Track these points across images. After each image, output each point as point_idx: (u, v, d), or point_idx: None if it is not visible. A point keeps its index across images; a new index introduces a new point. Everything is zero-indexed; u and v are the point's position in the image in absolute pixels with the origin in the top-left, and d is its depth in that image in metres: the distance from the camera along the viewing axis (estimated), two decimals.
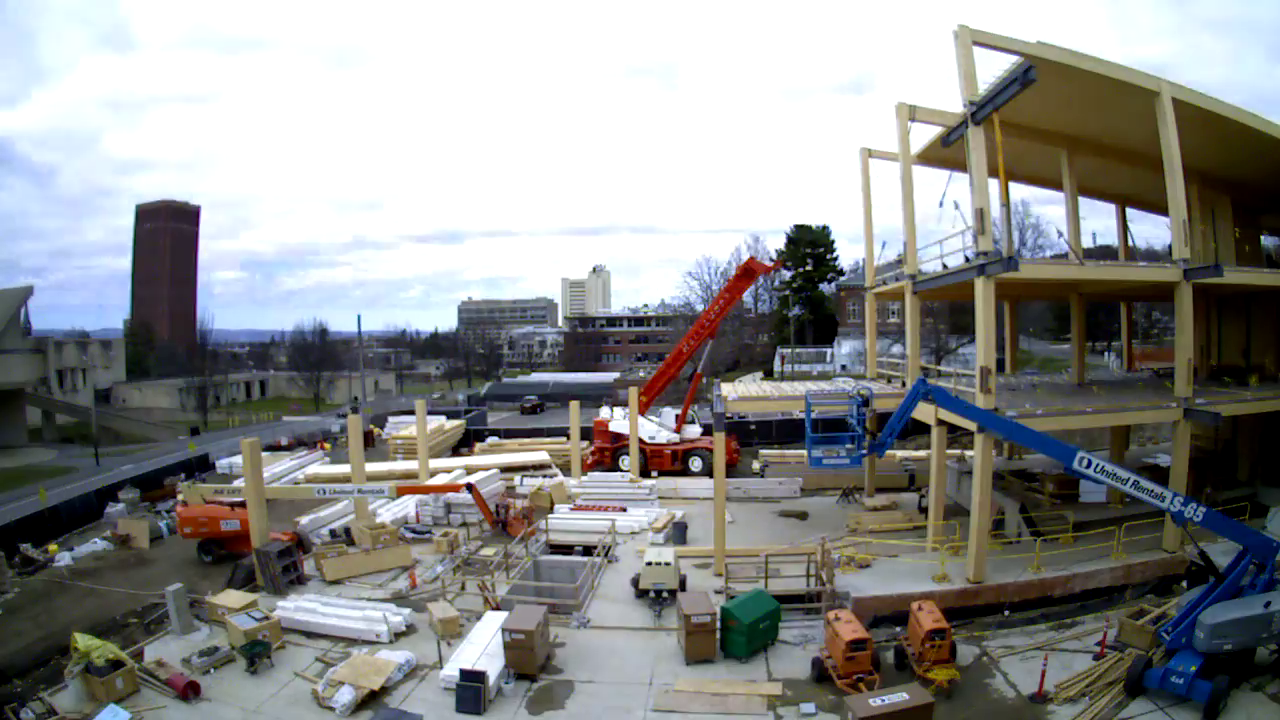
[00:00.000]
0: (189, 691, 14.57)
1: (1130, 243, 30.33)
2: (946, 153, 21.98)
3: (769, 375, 67.35)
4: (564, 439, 39.01)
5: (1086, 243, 27.97)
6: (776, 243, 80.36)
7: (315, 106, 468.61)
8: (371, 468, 32.36)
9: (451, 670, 14.49)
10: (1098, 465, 14.16)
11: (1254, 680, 13.16)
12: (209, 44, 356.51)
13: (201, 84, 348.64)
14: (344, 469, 30.29)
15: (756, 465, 33.67)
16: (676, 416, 34.53)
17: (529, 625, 15.01)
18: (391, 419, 49.42)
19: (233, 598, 18.35)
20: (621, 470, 32.97)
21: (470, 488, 25.00)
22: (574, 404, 35.30)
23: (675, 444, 33.65)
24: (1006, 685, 14.12)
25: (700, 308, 73.56)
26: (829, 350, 71.81)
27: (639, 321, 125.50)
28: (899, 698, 12.08)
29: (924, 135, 23.34)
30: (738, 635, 15.51)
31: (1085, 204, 25.32)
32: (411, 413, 39.86)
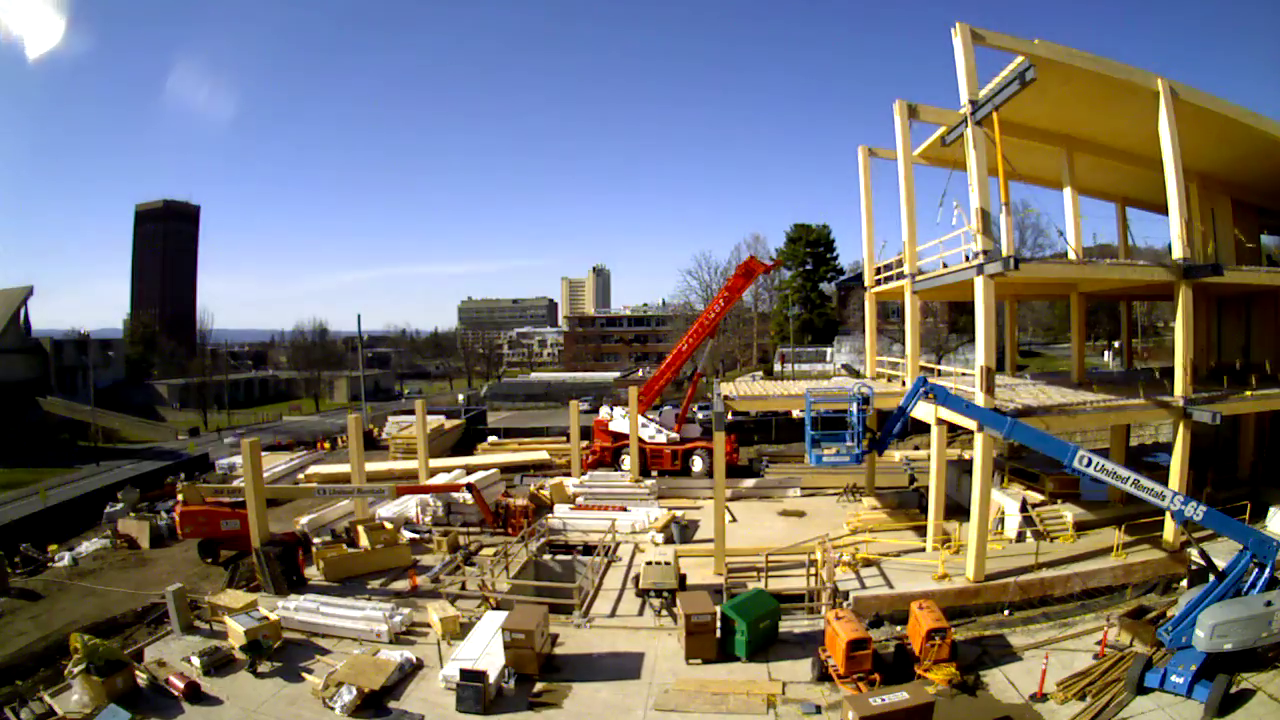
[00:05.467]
0: (189, 691, 14.57)
1: (1130, 242, 30.34)
2: (946, 152, 21.97)
3: (769, 375, 67.28)
4: (564, 439, 39.03)
5: (1086, 242, 27.91)
6: (776, 242, 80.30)
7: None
8: (371, 467, 32.37)
9: (451, 670, 14.48)
10: (1098, 464, 14.16)
11: (1254, 679, 13.15)
12: None
13: None
14: (344, 468, 30.31)
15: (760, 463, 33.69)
16: (676, 416, 34.54)
17: (529, 625, 15.02)
18: (391, 418, 49.47)
19: (233, 598, 18.36)
20: (622, 469, 32.99)
21: (470, 487, 25.03)
22: (574, 403, 35.32)
23: (675, 443, 33.66)
24: (1006, 685, 14.12)
25: (700, 307, 73.50)
26: (829, 350, 71.75)
27: (639, 321, 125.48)
28: (899, 697, 12.08)
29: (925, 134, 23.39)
30: (738, 635, 15.51)
31: (1086, 203, 25.29)
32: (411, 412, 39.88)
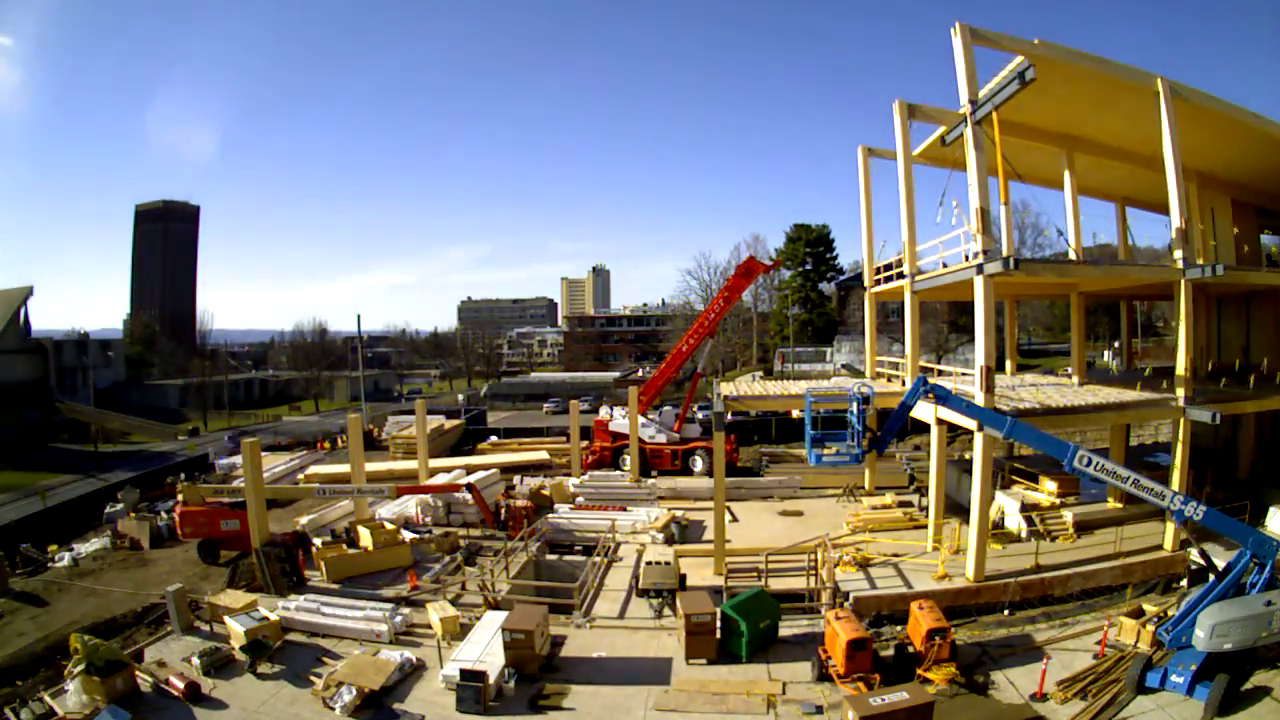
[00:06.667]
0: (189, 692, 14.56)
1: (1130, 242, 30.35)
2: (946, 152, 21.97)
3: (769, 374, 67.28)
4: (564, 439, 39.03)
5: (1086, 242, 27.99)
6: (776, 242, 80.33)
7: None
8: (371, 467, 32.35)
9: (451, 670, 14.48)
10: (1097, 464, 14.16)
11: (1261, 678, 13.14)
12: None
13: None
14: (344, 469, 30.31)
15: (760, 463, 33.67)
16: (676, 416, 34.54)
17: (529, 624, 15.02)
18: (391, 418, 49.49)
19: (233, 598, 18.36)
20: (622, 470, 32.99)
21: (470, 487, 25.03)
22: (574, 403, 35.33)
23: (675, 443, 33.66)
24: (1007, 684, 14.11)
25: (700, 307, 73.52)
26: (829, 350, 71.76)
27: (639, 321, 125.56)
28: (899, 697, 12.07)
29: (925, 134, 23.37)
30: (738, 635, 15.50)
31: (1086, 203, 25.32)
32: (411, 412, 39.88)
